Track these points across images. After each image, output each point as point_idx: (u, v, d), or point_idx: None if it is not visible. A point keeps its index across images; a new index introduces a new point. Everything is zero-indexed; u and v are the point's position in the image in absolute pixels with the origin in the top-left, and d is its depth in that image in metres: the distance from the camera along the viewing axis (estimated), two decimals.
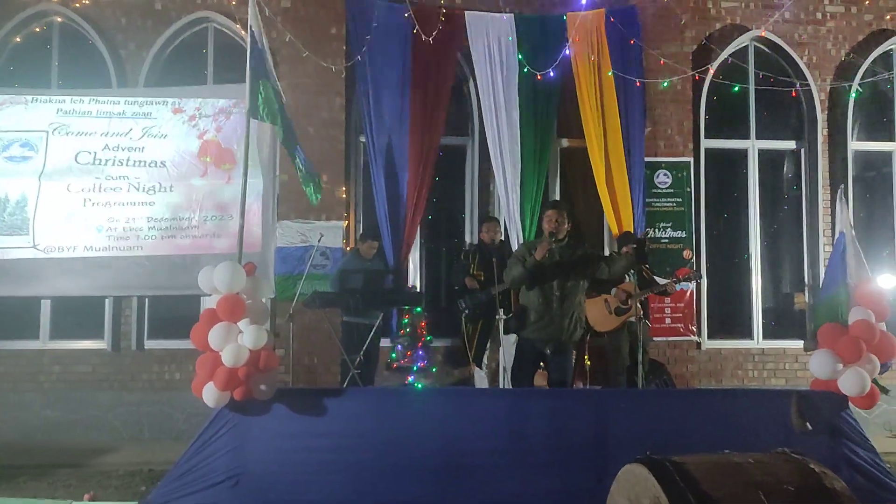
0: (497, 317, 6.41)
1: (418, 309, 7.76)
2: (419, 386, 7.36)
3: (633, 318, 7.15)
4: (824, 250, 8.51)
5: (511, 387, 6.13)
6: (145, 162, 6.59)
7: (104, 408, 7.81)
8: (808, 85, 8.68)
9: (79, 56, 8.31)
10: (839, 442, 4.99)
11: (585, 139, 8.23)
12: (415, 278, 8.40)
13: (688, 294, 8.31)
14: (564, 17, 8.35)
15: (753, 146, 8.87)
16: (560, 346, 5.75)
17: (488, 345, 7.58)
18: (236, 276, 4.78)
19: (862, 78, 8.68)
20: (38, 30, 8.30)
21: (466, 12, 8.24)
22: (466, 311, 7.39)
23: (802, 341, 8.51)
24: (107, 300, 7.85)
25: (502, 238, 7.87)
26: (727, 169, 9.02)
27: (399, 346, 7.73)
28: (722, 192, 9.02)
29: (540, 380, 6.12)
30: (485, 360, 7.63)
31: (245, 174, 5.20)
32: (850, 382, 5.03)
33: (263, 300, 5.26)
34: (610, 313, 7.34)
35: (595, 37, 8.29)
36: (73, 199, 6.50)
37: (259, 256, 5.85)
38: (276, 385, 5.01)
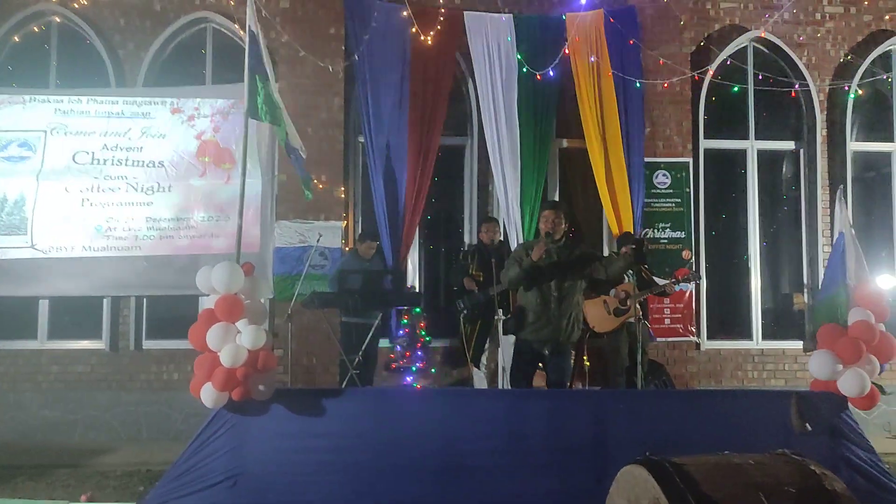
0: (496, 317, 6.40)
1: (417, 309, 7.76)
2: (418, 386, 7.35)
3: (632, 319, 7.15)
4: (823, 251, 8.50)
5: (510, 388, 6.12)
6: (144, 162, 6.59)
7: (102, 408, 7.80)
8: (807, 85, 8.68)
9: (77, 56, 8.30)
10: (839, 443, 4.98)
11: (585, 139, 8.22)
12: (413, 279, 8.39)
13: (687, 295, 8.30)
14: (563, 18, 8.34)
15: (752, 147, 8.87)
16: (558, 347, 5.73)
17: (487, 345, 7.57)
18: (234, 277, 4.76)
19: (861, 78, 8.68)
20: (36, 29, 8.30)
21: (465, 12, 8.24)
22: (465, 312, 7.39)
23: (801, 342, 8.51)
24: (105, 300, 7.85)
25: (501, 238, 7.86)
26: (726, 169, 9.02)
27: (398, 347, 7.72)
28: (721, 193, 9.02)
29: (539, 380, 6.11)
30: (483, 360, 7.62)
31: (243, 174, 5.18)
32: (849, 383, 5.02)
33: (262, 300, 5.25)
34: (609, 314, 7.33)
35: (594, 37, 8.29)
36: (72, 199, 6.50)
37: (257, 256, 5.85)
38: (275, 385, 5.00)
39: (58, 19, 8.26)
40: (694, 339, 8.35)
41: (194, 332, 4.78)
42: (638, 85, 8.25)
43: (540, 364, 5.90)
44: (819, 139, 8.70)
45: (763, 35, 8.64)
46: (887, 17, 8.79)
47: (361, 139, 8.28)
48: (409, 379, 7.56)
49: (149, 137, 6.65)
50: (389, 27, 8.11)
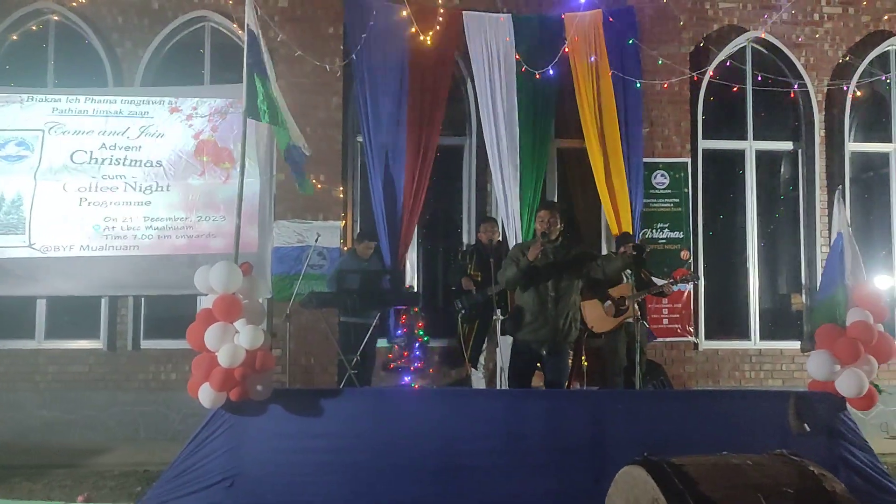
0: (494, 317, 6.40)
1: (411, 310, 7.75)
2: (416, 386, 7.35)
3: (630, 319, 7.15)
4: (821, 251, 8.51)
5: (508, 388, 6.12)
6: (142, 161, 6.58)
7: (100, 408, 7.78)
8: (805, 86, 8.68)
9: (75, 55, 8.27)
10: (837, 443, 4.98)
11: (584, 139, 8.22)
12: (412, 278, 8.38)
13: (685, 295, 8.30)
14: (562, 18, 8.33)
15: (751, 147, 8.86)
16: (556, 347, 5.72)
17: (485, 346, 7.56)
18: (233, 276, 4.76)
19: (859, 79, 8.68)
20: (34, 28, 8.28)
21: (464, 12, 8.23)
22: (463, 312, 7.38)
23: (799, 342, 8.52)
24: (102, 300, 7.83)
25: (500, 238, 7.85)
26: (724, 170, 9.01)
27: (396, 347, 7.72)
28: (719, 193, 9.01)
29: (537, 381, 6.11)
30: (482, 360, 7.62)
31: (242, 174, 5.17)
32: (847, 384, 5.02)
33: (260, 300, 5.24)
34: (607, 314, 7.32)
35: (593, 37, 8.28)
36: (70, 199, 6.49)
37: (256, 256, 5.84)
38: (273, 385, 5.00)
39: (56, 18, 8.24)
40: (692, 339, 8.35)
41: (192, 331, 4.77)
42: (638, 85, 8.25)
43: (538, 364, 5.89)
44: (817, 139, 8.70)
45: (762, 36, 8.64)
46: (886, 18, 8.79)
47: (360, 139, 8.28)
48: (407, 379, 7.56)
49: (147, 137, 6.64)
50: (388, 27, 8.10)
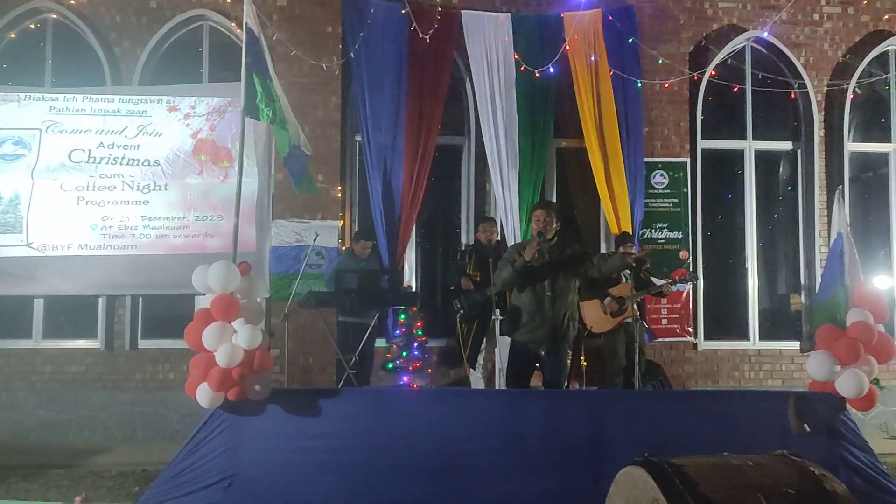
0: (493, 317, 6.39)
1: (414, 309, 7.73)
2: (414, 386, 7.33)
3: (629, 319, 7.14)
4: (820, 251, 8.51)
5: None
6: (140, 160, 6.58)
7: (97, 408, 7.77)
8: (805, 86, 8.67)
9: (73, 53, 8.25)
10: (837, 444, 4.96)
11: (584, 139, 8.21)
12: (410, 278, 8.36)
13: (684, 295, 8.29)
14: (561, 17, 8.32)
15: (750, 147, 8.85)
16: (554, 347, 5.69)
17: (483, 346, 7.55)
18: (231, 276, 4.74)
19: (859, 79, 8.67)
20: (32, 26, 8.25)
21: (463, 11, 8.22)
22: (462, 312, 7.36)
23: (798, 342, 8.51)
24: (100, 299, 7.80)
25: (499, 238, 7.83)
26: (724, 170, 9.00)
27: (395, 346, 7.70)
28: (718, 193, 9.01)
29: (536, 381, 6.09)
30: (480, 360, 7.60)
31: (240, 173, 5.16)
32: (847, 384, 5.00)
33: (258, 300, 5.23)
34: (606, 314, 7.31)
35: (592, 36, 8.27)
36: (67, 198, 6.49)
37: (253, 256, 5.83)
38: (271, 385, 4.97)
39: (54, 16, 8.21)
40: (691, 339, 8.34)
41: (190, 331, 4.76)
42: (639, 84, 8.24)
43: (536, 364, 5.88)
44: (817, 139, 8.70)
45: (763, 36, 8.62)
46: (885, 18, 8.79)
47: (358, 138, 8.27)
48: (405, 379, 7.54)
49: (145, 135, 6.64)
50: (387, 26, 8.09)
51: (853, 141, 8.91)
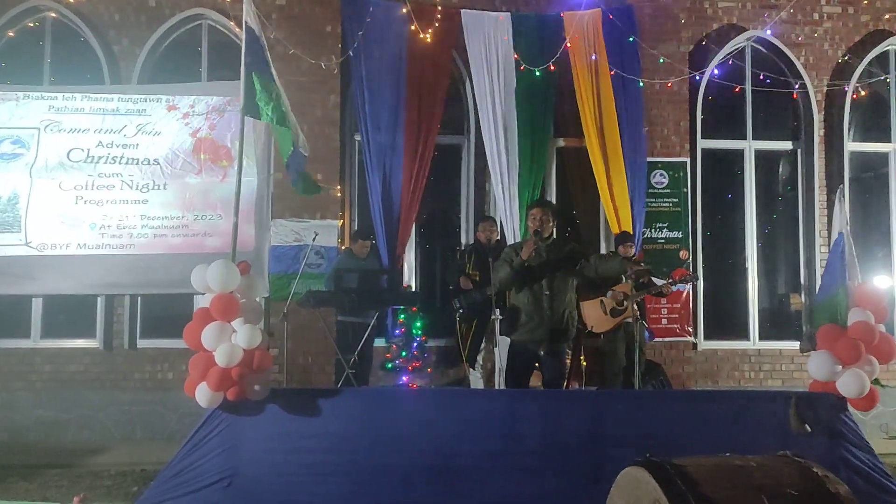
0: (493, 317, 6.37)
1: (413, 308, 7.72)
2: (413, 386, 7.32)
3: (629, 319, 7.12)
4: (820, 251, 8.50)
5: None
6: (139, 159, 6.56)
7: (96, 407, 7.75)
8: (805, 85, 8.66)
9: (71, 52, 8.24)
10: (838, 444, 4.95)
11: (585, 138, 8.21)
12: (410, 278, 8.35)
13: (684, 295, 8.28)
14: (561, 16, 8.30)
15: (750, 147, 8.84)
16: (553, 347, 5.69)
17: (483, 345, 7.53)
18: (230, 275, 4.72)
19: (859, 79, 8.66)
20: (30, 25, 8.24)
21: (462, 11, 8.20)
22: (461, 311, 7.34)
23: (798, 342, 8.49)
24: (99, 299, 7.79)
25: (498, 238, 7.82)
26: (724, 169, 8.99)
27: (394, 346, 7.69)
28: (718, 193, 8.99)
29: (535, 381, 6.08)
30: (479, 360, 7.59)
31: (239, 172, 5.14)
32: (848, 384, 4.99)
33: (257, 299, 5.21)
34: (606, 314, 7.30)
35: (592, 35, 8.25)
36: (66, 197, 6.48)
37: (252, 255, 5.82)
38: (270, 385, 4.96)
39: (53, 15, 8.18)
40: (691, 339, 8.33)
41: (189, 331, 4.74)
42: (641, 84, 8.22)
43: (536, 364, 5.86)
44: (816, 139, 8.69)
45: (764, 35, 8.61)
46: (886, 17, 8.77)
47: (358, 137, 8.26)
48: (405, 379, 7.53)
49: (144, 134, 6.63)
50: (386, 25, 8.08)
51: (853, 141, 8.89)
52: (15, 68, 8.14)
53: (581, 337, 7.11)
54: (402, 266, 8.17)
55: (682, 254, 8.28)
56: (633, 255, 7.61)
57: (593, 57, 8.20)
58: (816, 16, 8.78)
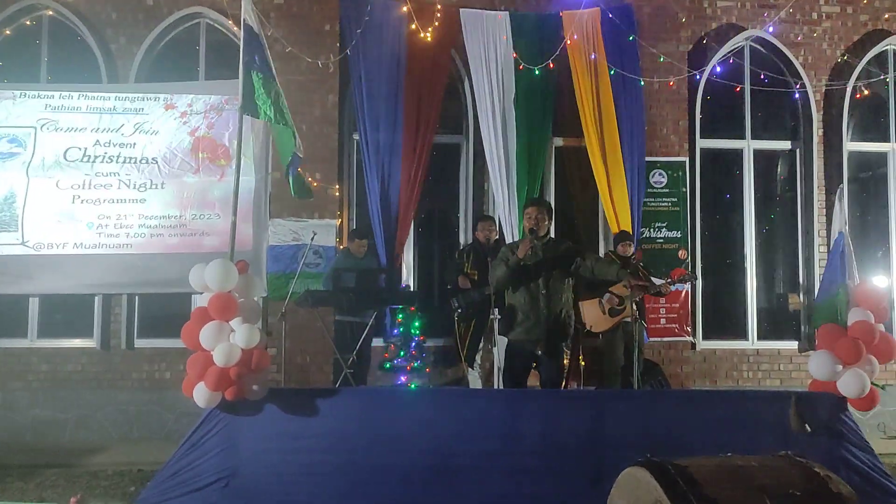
0: (491, 316, 6.35)
1: (411, 308, 7.70)
2: (412, 386, 7.30)
3: (628, 319, 7.12)
4: (819, 251, 8.50)
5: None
6: (136, 159, 6.53)
7: (93, 407, 7.72)
8: (803, 85, 8.65)
9: (69, 51, 8.22)
10: (838, 444, 4.95)
11: (584, 138, 8.19)
12: (408, 277, 8.33)
13: (683, 294, 8.27)
14: (560, 15, 8.28)
15: (749, 146, 8.84)
16: (551, 346, 5.66)
17: (481, 345, 7.52)
18: (228, 275, 4.71)
19: (858, 78, 8.65)
20: (27, 23, 8.21)
21: (461, 10, 8.18)
22: (459, 311, 7.32)
23: (797, 342, 8.50)
24: (96, 298, 7.77)
25: (497, 237, 7.80)
26: (722, 169, 8.99)
27: (392, 346, 7.67)
28: (717, 193, 8.98)
29: (533, 380, 6.07)
30: (478, 360, 7.57)
31: (237, 171, 5.12)
32: (849, 384, 4.99)
33: (255, 299, 5.19)
34: (604, 314, 7.29)
35: (591, 34, 8.24)
36: (63, 196, 6.44)
37: (250, 254, 5.79)
38: (268, 385, 4.95)
39: (50, 13, 8.16)
40: (689, 338, 8.32)
41: (187, 330, 4.73)
42: (641, 83, 8.21)
43: (533, 364, 5.85)
44: (815, 139, 8.68)
45: (764, 34, 8.60)
46: (885, 17, 8.77)
47: (356, 136, 8.23)
48: (403, 378, 7.51)
49: (142, 133, 6.59)
50: (385, 24, 8.06)
51: (852, 140, 8.88)
52: (12, 66, 8.12)
53: (579, 336, 7.10)
54: (400, 265, 8.15)
55: (681, 253, 8.27)
56: (632, 255, 7.60)
57: (592, 56, 8.19)
58: (815, 15, 8.78)
